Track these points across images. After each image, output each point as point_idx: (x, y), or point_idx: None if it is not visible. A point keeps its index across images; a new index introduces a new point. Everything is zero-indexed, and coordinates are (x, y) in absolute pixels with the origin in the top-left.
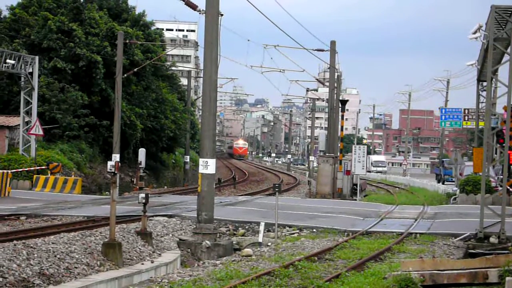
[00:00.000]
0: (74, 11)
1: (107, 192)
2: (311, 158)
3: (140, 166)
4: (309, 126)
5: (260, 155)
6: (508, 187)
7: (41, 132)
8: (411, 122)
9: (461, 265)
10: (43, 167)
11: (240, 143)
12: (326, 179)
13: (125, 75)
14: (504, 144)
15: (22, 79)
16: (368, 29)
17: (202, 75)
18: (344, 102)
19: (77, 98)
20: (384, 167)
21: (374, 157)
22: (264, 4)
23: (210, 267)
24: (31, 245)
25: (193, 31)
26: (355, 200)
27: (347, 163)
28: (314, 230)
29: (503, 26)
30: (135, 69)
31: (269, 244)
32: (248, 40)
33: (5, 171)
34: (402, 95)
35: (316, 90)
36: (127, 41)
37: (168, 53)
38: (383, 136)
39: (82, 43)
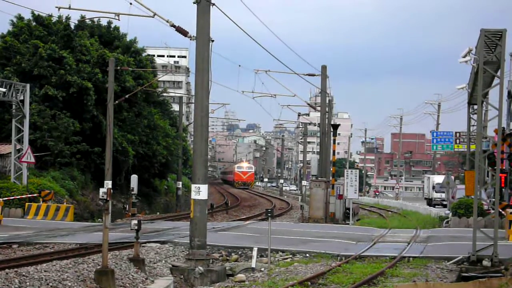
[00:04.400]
0: (65, 38)
1: (99, 219)
2: (304, 182)
3: (132, 192)
4: (301, 151)
5: None
6: (500, 210)
7: (32, 160)
8: (403, 146)
9: None
10: (35, 194)
11: (244, 167)
12: (318, 204)
13: (117, 101)
14: (495, 167)
15: (14, 106)
16: (359, 54)
17: (193, 101)
18: (335, 127)
19: (69, 125)
20: None
21: (436, 178)
22: (255, 31)
23: None
24: (24, 274)
25: (184, 57)
26: (348, 224)
27: (340, 187)
28: (307, 254)
29: (493, 50)
30: (127, 96)
31: (262, 269)
32: (239, 66)
33: None
34: (394, 118)
35: (308, 114)
36: (119, 67)
37: (159, 79)
38: (375, 160)
39: (73, 70)
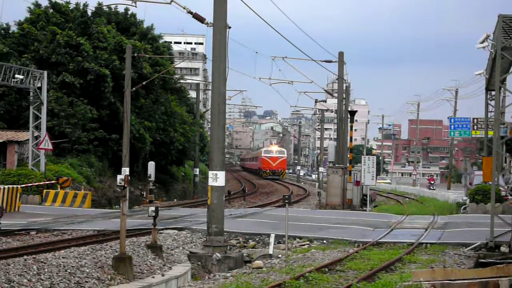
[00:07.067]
0: (82, 25)
1: (117, 206)
2: (321, 169)
3: (149, 179)
4: (318, 137)
5: None
6: None
7: (50, 147)
8: (420, 132)
9: (472, 275)
10: (53, 181)
11: (274, 151)
12: (335, 190)
13: (134, 88)
14: None
15: (31, 94)
16: (375, 40)
17: (210, 88)
18: (353, 113)
19: (86, 112)
20: None
21: None
22: (272, 17)
23: (221, 280)
24: (42, 260)
25: (201, 44)
26: (365, 210)
27: (357, 174)
28: (325, 241)
29: (511, 35)
30: (144, 83)
31: (280, 256)
32: (256, 52)
33: (15, 186)
34: (411, 105)
35: (325, 101)
36: (136, 54)
37: (176, 66)
38: (392, 147)
39: (90, 57)
